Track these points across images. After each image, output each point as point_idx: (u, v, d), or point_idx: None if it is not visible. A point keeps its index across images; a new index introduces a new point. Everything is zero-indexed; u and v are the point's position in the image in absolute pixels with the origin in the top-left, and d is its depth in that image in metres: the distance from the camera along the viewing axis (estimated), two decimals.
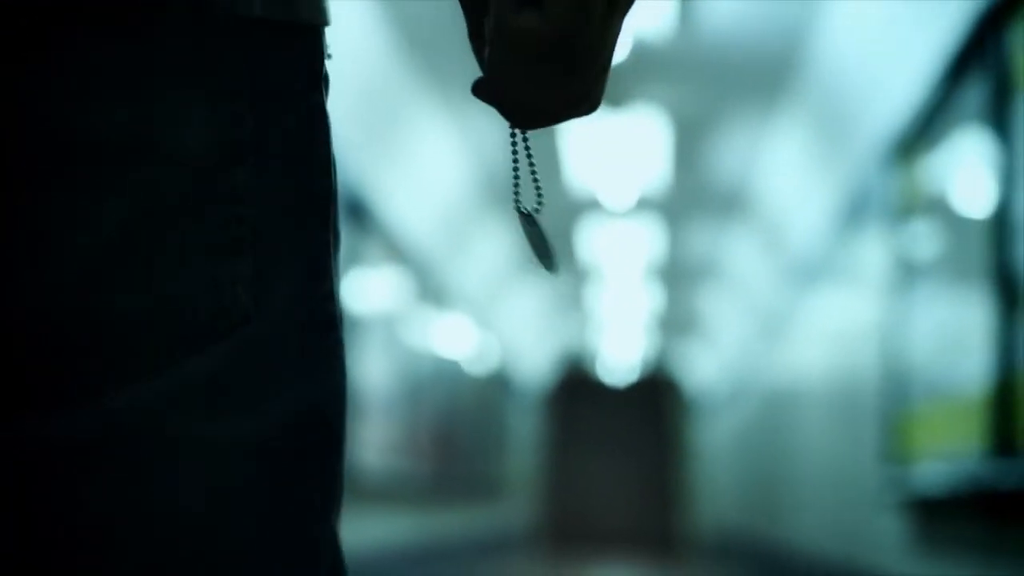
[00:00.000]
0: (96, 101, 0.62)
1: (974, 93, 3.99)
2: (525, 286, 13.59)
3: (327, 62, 0.74)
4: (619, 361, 19.20)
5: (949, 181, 4.35)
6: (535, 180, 0.83)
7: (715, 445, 17.05)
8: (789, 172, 8.08)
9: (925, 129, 4.67)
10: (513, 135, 0.81)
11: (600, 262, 11.92)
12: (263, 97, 0.68)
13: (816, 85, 6.77)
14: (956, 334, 4.15)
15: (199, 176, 0.64)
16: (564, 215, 10.29)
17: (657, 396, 20.06)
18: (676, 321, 15.66)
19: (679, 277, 12.92)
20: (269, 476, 0.66)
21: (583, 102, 0.76)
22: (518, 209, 0.83)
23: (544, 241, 0.83)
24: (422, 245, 8.99)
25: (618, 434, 20.12)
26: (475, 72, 7.20)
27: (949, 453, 4.20)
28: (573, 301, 14.64)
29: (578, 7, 0.71)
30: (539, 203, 0.84)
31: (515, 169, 0.83)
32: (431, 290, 9.43)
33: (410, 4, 6.26)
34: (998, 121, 3.69)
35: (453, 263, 10.27)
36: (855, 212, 6.42)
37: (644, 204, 9.90)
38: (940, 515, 4.55)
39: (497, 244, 11.35)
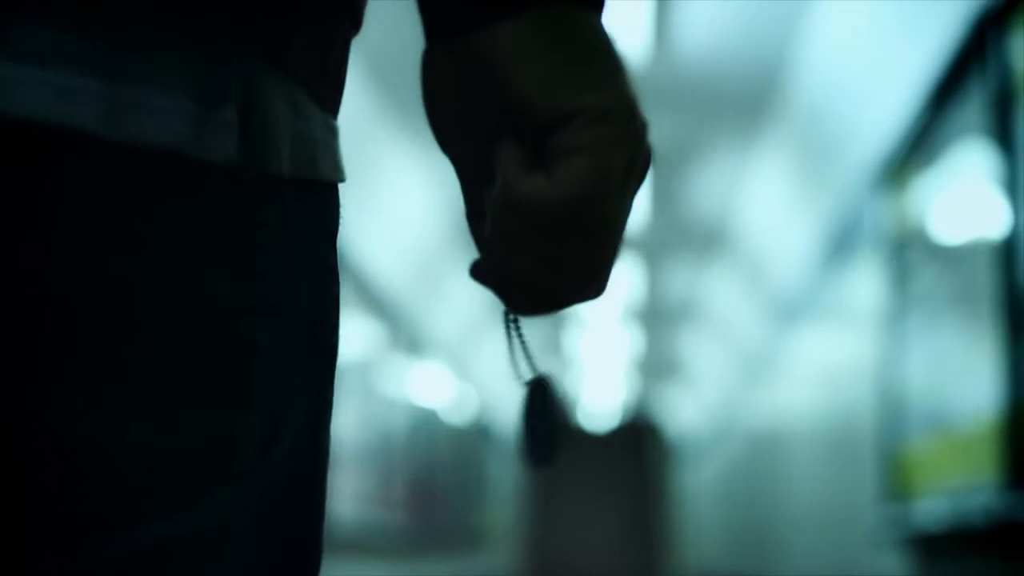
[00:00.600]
0: (133, 249, 0.61)
1: (971, 104, 3.79)
2: (502, 332, 13.36)
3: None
4: (600, 407, 19.16)
5: (946, 201, 4.14)
6: (527, 357, 0.80)
7: (699, 488, 16.93)
8: (772, 203, 7.89)
9: (918, 147, 4.48)
10: (507, 317, 0.77)
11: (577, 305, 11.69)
12: (288, 253, 0.67)
13: (799, 110, 6.58)
14: (958, 363, 3.93)
15: (224, 325, 0.64)
16: None
17: (639, 441, 19.85)
18: (656, 365, 15.50)
19: (659, 319, 12.73)
20: None
21: (592, 284, 0.72)
22: (527, 383, 0.78)
23: (550, 426, 0.77)
24: (395, 291, 8.79)
25: (600, 480, 19.86)
26: None
27: (954, 487, 3.98)
28: (552, 347, 14.42)
29: (594, 174, 0.68)
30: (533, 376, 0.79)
31: (511, 349, 0.78)
32: (405, 337, 9.29)
33: (381, 47, 6.07)
34: (1000, 133, 3.48)
35: (428, 310, 10.08)
36: (843, 242, 6.22)
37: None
38: (944, 552, 4.34)
39: (473, 290, 11.15)
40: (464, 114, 0.74)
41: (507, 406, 17.01)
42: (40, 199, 0.59)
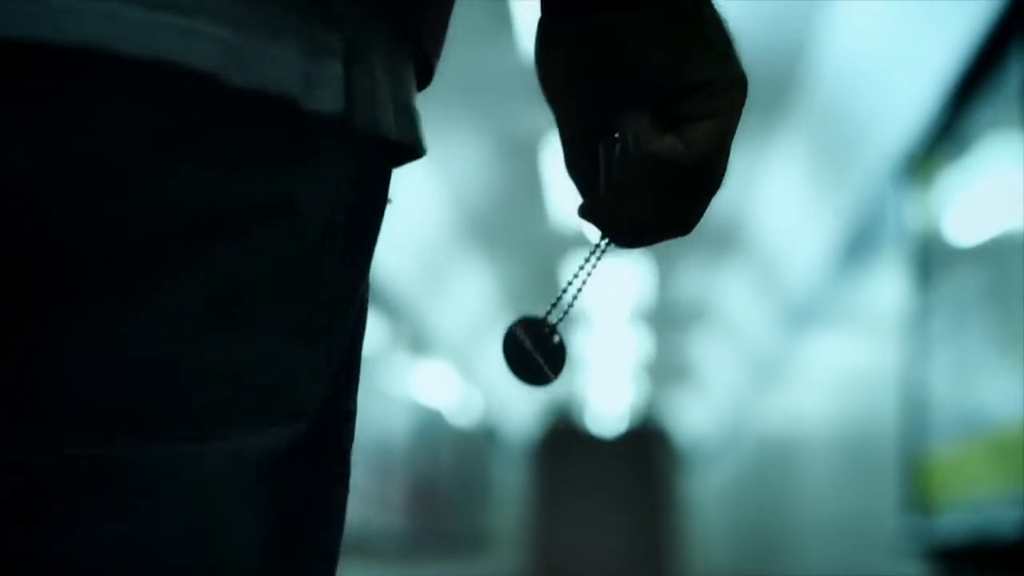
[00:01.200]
0: (225, 171, 0.64)
1: (1003, 94, 3.56)
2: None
3: None
4: (607, 411, 18.90)
5: (975, 196, 3.90)
6: (575, 296, 0.88)
7: (708, 495, 16.70)
8: (788, 200, 7.65)
9: (944, 139, 4.24)
10: (596, 248, 0.85)
11: (586, 304, 11.49)
12: (371, 208, 0.72)
13: (816, 101, 6.35)
14: (988, 367, 3.70)
15: (304, 248, 0.67)
16: (549, 250, 10.08)
17: (647, 446, 19.74)
18: (665, 368, 15.26)
19: (668, 321, 12.48)
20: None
21: (688, 223, 0.82)
22: (545, 318, 0.85)
23: (553, 351, 0.84)
24: (399, 288, 8.57)
25: (607, 486, 19.81)
26: (457, 104, 6.79)
27: (980, 497, 3.75)
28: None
29: (722, 136, 0.78)
30: (559, 319, 0.87)
31: (575, 276, 0.88)
32: (408, 335, 9.11)
33: None
34: None
35: (432, 307, 9.87)
36: (863, 240, 5.99)
37: None
38: (968, 566, 4.11)
39: (479, 288, 10.93)
40: (580, 80, 0.80)
41: (514, 408, 16.81)
42: (157, 137, 0.62)
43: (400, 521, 8.87)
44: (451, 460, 11.59)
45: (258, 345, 0.65)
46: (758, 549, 10.85)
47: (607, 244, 0.84)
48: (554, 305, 0.87)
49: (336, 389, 0.73)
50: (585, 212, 0.82)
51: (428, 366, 10.01)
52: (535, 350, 0.84)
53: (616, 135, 0.81)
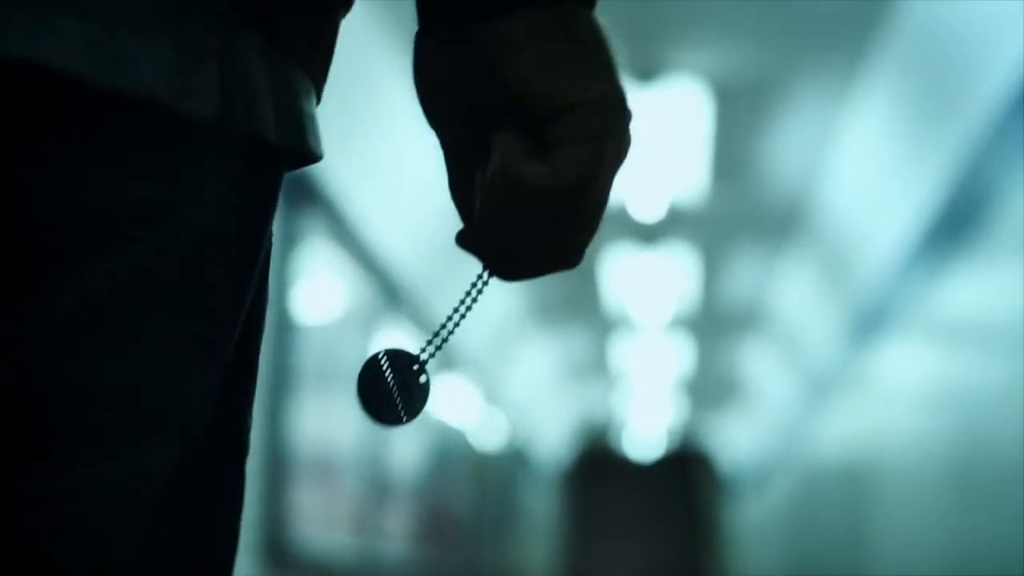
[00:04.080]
0: (93, 176, 0.64)
1: None
2: (541, 346, 12.15)
3: None
4: (645, 432, 18.13)
5: None
6: (453, 327, 0.85)
7: (755, 525, 15.85)
8: (868, 167, 6.45)
9: None
10: (479, 278, 0.83)
11: (626, 310, 10.38)
12: (255, 211, 0.71)
13: (911, 33, 5.15)
14: None
15: (183, 253, 0.66)
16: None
17: (688, 471, 19.01)
18: (709, 383, 14.19)
19: (714, 327, 11.39)
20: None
21: (571, 257, 0.81)
22: (419, 353, 0.83)
23: (408, 393, 0.82)
24: (419, 292, 7.60)
25: (644, 515, 19.05)
26: None
27: None
28: (596, 364, 13.12)
29: (590, 161, 0.76)
30: (432, 353, 0.84)
31: (455, 311, 0.85)
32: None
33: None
34: None
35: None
36: (966, 219, 4.76)
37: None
38: None
39: (504, 299, 9.88)
40: (455, 98, 0.80)
41: (544, 429, 15.86)
42: (16, 140, 0.61)
43: (411, 551, 8.03)
44: (473, 484, 10.93)
45: (141, 359, 0.64)
46: None
47: (488, 276, 0.82)
48: (430, 341, 0.82)
49: (229, 390, 0.71)
50: (461, 241, 0.82)
51: (450, 380, 9.27)
52: (395, 386, 0.81)
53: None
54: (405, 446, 7.80)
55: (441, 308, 8.29)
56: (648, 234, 8.26)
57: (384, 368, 0.79)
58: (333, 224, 5.80)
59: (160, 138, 0.63)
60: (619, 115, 0.76)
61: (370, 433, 6.68)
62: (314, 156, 0.74)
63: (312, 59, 0.74)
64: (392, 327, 7.24)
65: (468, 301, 0.83)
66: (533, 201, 0.75)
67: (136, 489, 0.63)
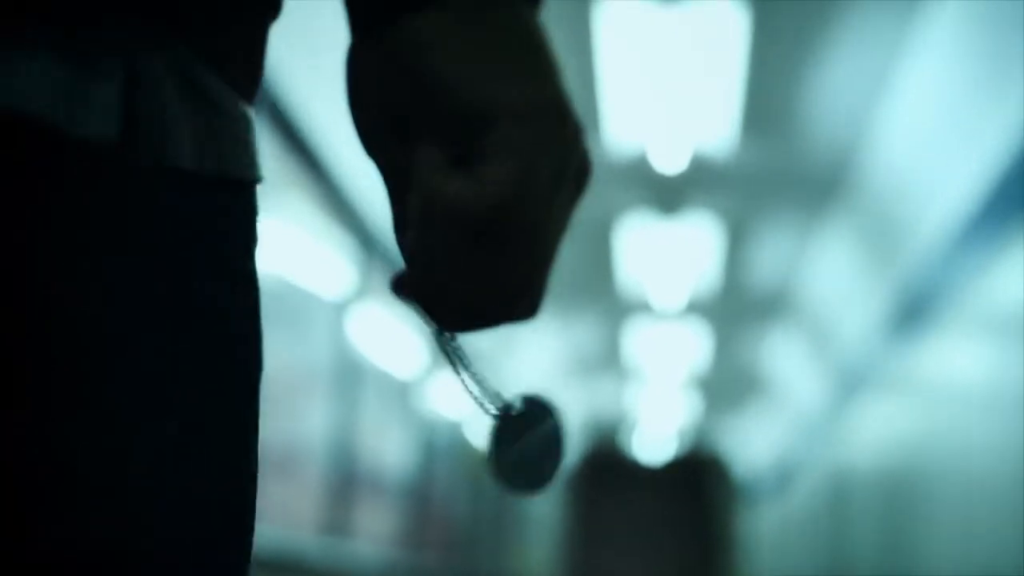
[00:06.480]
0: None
1: None
2: (548, 334, 11.72)
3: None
4: (655, 433, 17.95)
5: None
6: (477, 388, 0.75)
7: (771, 533, 15.52)
8: (917, 128, 5.59)
9: None
10: (441, 337, 0.74)
11: (640, 292, 9.76)
12: (185, 254, 0.66)
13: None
14: None
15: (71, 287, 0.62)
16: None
17: (700, 475, 18.95)
18: (724, 380, 13.74)
19: (730, 315, 10.80)
20: None
21: (521, 299, 0.71)
22: (493, 415, 0.75)
23: (538, 453, 0.75)
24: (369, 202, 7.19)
25: (653, 522, 18.99)
26: None
27: None
28: (608, 355, 12.62)
29: (520, 176, 0.68)
30: (499, 409, 0.76)
31: (456, 372, 0.77)
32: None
33: None
34: None
35: None
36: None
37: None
38: None
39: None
40: (389, 115, 0.73)
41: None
42: None
43: (391, 555, 7.60)
44: (470, 485, 10.76)
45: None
46: None
47: (439, 330, 0.73)
48: (480, 403, 0.74)
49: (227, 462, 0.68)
50: (395, 288, 0.73)
51: (443, 373, 9.08)
52: (535, 448, 0.75)
53: None
54: (387, 440, 7.42)
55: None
56: (668, 196, 7.58)
57: (522, 438, 0.74)
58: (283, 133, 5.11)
59: (45, 160, 0.59)
60: (556, 126, 0.67)
61: (341, 419, 6.07)
62: (248, 179, 0.69)
63: (242, 73, 0.70)
64: (338, 243, 6.71)
65: (456, 361, 0.74)
66: (453, 221, 0.67)
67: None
